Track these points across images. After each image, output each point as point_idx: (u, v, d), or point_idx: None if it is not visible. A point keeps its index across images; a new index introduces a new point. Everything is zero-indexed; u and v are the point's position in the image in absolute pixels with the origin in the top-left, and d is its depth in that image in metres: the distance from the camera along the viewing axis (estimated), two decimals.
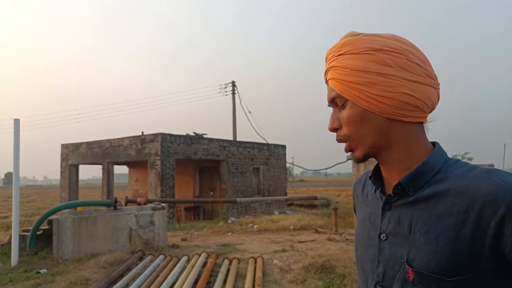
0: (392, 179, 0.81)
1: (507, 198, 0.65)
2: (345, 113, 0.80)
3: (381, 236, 0.81)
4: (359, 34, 0.81)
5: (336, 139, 0.83)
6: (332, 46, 0.83)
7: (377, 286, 0.80)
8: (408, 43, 0.79)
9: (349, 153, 0.89)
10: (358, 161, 0.82)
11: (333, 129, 0.83)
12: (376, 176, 0.86)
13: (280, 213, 15.28)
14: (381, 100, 0.76)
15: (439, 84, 0.80)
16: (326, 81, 0.84)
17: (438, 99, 0.80)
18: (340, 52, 0.80)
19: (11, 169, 7.32)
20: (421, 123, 0.79)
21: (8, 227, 13.13)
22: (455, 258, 0.68)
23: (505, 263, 0.67)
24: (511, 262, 0.66)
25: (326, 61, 0.84)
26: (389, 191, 0.82)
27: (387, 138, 0.78)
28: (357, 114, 0.78)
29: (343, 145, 0.84)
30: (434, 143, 0.82)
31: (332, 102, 0.83)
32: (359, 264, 0.89)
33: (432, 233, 0.72)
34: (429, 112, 0.79)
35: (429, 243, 0.71)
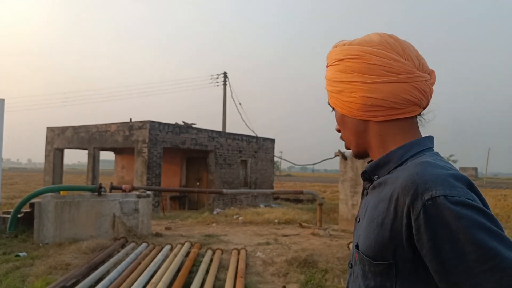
0: None
1: (412, 189, 0.67)
2: (335, 117, 0.92)
3: (357, 220, 0.88)
4: (337, 44, 0.88)
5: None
6: (330, 52, 0.93)
7: (349, 265, 0.88)
8: (371, 44, 0.81)
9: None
10: (357, 157, 0.92)
11: (338, 130, 0.94)
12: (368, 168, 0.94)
13: (265, 206, 15.31)
14: (348, 105, 0.83)
15: (416, 76, 0.79)
16: None
17: (420, 90, 0.79)
18: (330, 64, 0.88)
19: None
20: (401, 119, 0.81)
21: None
22: (380, 244, 0.72)
23: (417, 252, 0.67)
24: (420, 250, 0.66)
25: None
26: None
27: (366, 137, 0.85)
28: (339, 118, 0.90)
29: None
30: (428, 137, 0.84)
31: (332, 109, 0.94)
32: None
33: (369, 218, 0.77)
34: (409, 107, 0.80)
35: (366, 228, 0.78)
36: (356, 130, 0.86)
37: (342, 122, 0.89)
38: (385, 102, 0.79)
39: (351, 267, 0.85)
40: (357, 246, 0.80)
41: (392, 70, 0.78)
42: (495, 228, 0.62)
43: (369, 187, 0.85)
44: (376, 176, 0.83)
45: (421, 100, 0.80)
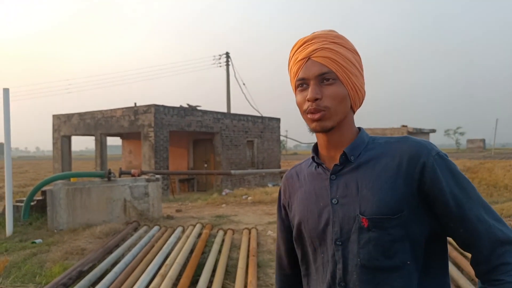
0: (331, 155, 1.02)
1: (424, 150, 0.93)
2: (332, 89, 0.95)
3: (333, 201, 0.98)
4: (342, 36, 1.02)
5: (311, 108, 0.96)
6: (320, 32, 1.00)
7: (337, 242, 0.96)
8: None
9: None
10: (325, 130, 0.97)
11: (316, 99, 0.95)
12: (317, 153, 1.07)
13: (274, 185, 15.41)
14: (357, 90, 0.98)
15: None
16: (308, 58, 0.97)
17: None
18: (334, 41, 0.97)
19: (3, 140, 7.23)
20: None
21: (1, 198, 13.13)
22: (395, 201, 0.91)
23: (424, 198, 0.92)
24: (429, 194, 0.91)
25: (307, 41, 0.99)
26: (330, 166, 1.02)
27: (345, 119, 0.99)
28: (342, 93, 0.96)
29: None
30: (359, 128, 1.06)
31: (319, 76, 0.95)
32: (311, 234, 1.02)
33: (376, 187, 0.93)
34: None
35: (375, 194, 0.93)
36: (346, 111, 0.98)
37: (343, 98, 0.96)
38: (362, 102, 1.04)
39: (341, 244, 0.96)
40: (363, 215, 0.93)
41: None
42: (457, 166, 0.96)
43: (340, 169, 0.99)
44: (352, 156, 0.98)
45: None
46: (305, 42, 1.00)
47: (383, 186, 0.93)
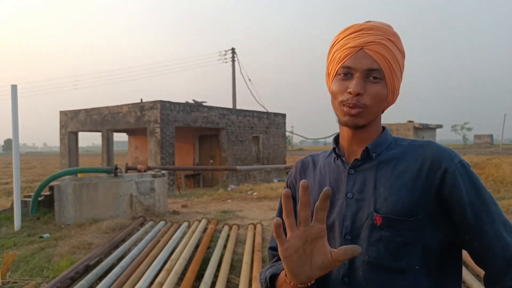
0: (353, 150, 1.00)
1: (446, 156, 0.91)
2: (377, 88, 0.92)
3: (348, 195, 0.97)
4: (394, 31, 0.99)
5: (352, 102, 0.92)
6: (377, 24, 0.95)
7: (346, 237, 0.95)
8: None
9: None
10: (357, 127, 0.95)
11: (358, 94, 0.91)
12: (338, 146, 1.05)
13: (279, 181, 15.42)
14: (395, 93, 0.98)
15: None
16: (361, 47, 0.92)
17: None
18: (390, 38, 0.94)
19: (11, 136, 7.31)
20: None
21: (9, 193, 13.28)
22: (413, 203, 0.89)
23: (442, 204, 0.89)
24: (448, 202, 0.89)
25: (363, 29, 0.94)
26: (350, 160, 1.00)
27: (376, 118, 0.98)
28: (383, 94, 0.94)
29: None
30: (383, 127, 1.05)
31: (368, 71, 0.91)
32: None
33: (395, 186, 0.92)
34: None
35: (393, 194, 0.91)
36: (379, 112, 0.98)
37: (383, 99, 0.95)
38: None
39: (350, 238, 0.94)
40: (377, 212, 0.91)
41: None
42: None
43: (360, 165, 0.98)
44: (374, 153, 0.97)
45: None
46: (361, 29, 0.94)
47: (401, 187, 0.91)
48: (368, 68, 0.91)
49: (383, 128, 1.03)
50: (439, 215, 0.90)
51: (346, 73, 0.93)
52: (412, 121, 26.86)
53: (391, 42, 0.93)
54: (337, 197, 0.99)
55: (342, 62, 0.93)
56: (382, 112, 1.01)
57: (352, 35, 0.94)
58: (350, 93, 0.91)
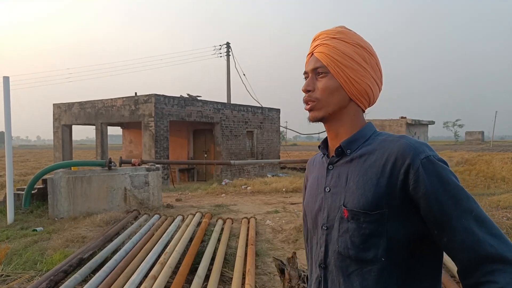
0: (333, 146, 1.07)
1: (411, 152, 0.92)
2: (323, 82, 1.03)
3: (326, 189, 1.06)
4: (350, 30, 1.07)
5: (304, 98, 1.06)
6: (325, 30, 1.07)
7: (323, 227, 1.04)
8: (375, 52, 1.07)
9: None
10: (314, 120, 1.06)
11: (307, 91, 1.05)
12: (324, 146, 1.12)
13: (273, 175, 15.47)
14: (353, 83, 1.01)
15: (381, 88, 1.10)
16: (311, 54, 1.07)
17: (377, 98, 1.10)
18: (335, 36, 1.04)
19: (3, 129, 7.26)
20: (363, 110, 1.08)
21: (2, 186, 13.19)
22: (376, 198, 0.93)
23: (408, 200, 0.92)
24: (413, 197, 0.91)
25: (315, 39, 1.08)
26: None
27: (342, 111, 1.04)
28: (333, 86, 1.02)
29: None
30: (369, 123, 1.09)
31: (314, 70, 1.05)
32: (308, 218, 1.13)
33: (361, 181, 0.97)
34: (371, 105, 1.09)
35: (359, 188, 0.97)
36: (341, 103, 1.03)
37: (334, 90, 1.02)
38: (372, 96, 1.05)
39: (326, 229, 1.04)
40: (345, 206, 0.98)
41: (380, 78, 1.07)
42: (454, 174, 0.93)
43: (337, 161, 1.05)
44: (349, 150, 1.03)
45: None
46: (314, 39, 1.09)
47: (367, 181, 0.96)
48: (313, 68, 1.05)
49: (368, 123, 1.08)
50: (405, 210, 0.92)
51: (306, 77, 1.08)
52: (405, 117, 27.00)
53: (335, 39, 1.03)
54: (319, 191, 1.09)
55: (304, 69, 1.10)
56: (361, 106, 1.06)
57: (311, 44, 1.10)
58: (302, 91, 1.06)
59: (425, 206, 0.89)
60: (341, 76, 1.02)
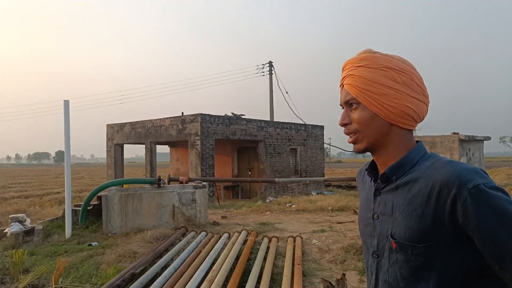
0: (381, 171, 1.03)
1: (457, 181, 0.84)
2: (357, 114, 1.00)
3: (374, 216, 1.03)
4: (376, 52, 1.01)
5: (344, 132, 1.04)
6: (351, 58, 1.03)
7: (374, 255, 1.02)
8: (412, 66, 1.00)
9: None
10: (359, 152, 1.03)
11: (343, 124, 1.03)
12: (372, 169, 1.08)
13: (317, 193, 15.24)
14: (389, 108, 0.96)
15: (429, 102, 1.02)
16: (342, 85, 1.05)
17: (427, 113, 1.02)
18: (359, 64, 0.99)
19: (62, 148, 7.77)
20: (412, 129, 1.02)
21: (61, 202, 14.03)
22: (422, 230, 0.88)
23: (459, 231, 0.85)
24: (465, 230, 0.84)
25: (343, 69, 1.05)
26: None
27: (386, 138, 1.00)
28: (368, 116, 0.98)
29: None
30: (418, 141, 1.02)
31: (346, 103, 1.02)
32: (362, 238, 1.11)
33: (406, 211, 0.92)
34: (419, 122, 1.02)
35: (404, 219, 0.92)
36: (381, 130, 0.99)
37: (370, 120, 0.98)
38: (415, 114, 0.98)
39: (377, 257, 1.01)
40: (392, 237, 0.95)
41: (423, 92, 0.99)
42: None
43: (384, 187, 1.01)
44: (395, 177, 0.98)
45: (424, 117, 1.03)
46: (342, 69, 1.06)
47: (411, 212, 0.91)
48: (345, 101, 1.03)
49: (417, 143, 1.02)
50: (457, 243, 0.86)
51: (343, 108, 1.05)
52: (457, 133, 25.71)
53: (360, 67, 0.99)
54: (369, 215, 1.06)
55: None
56: (406, 127, 0.99)
57: (341, 74, 1.07)
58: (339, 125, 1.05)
59: (480, 241, 0.83)
60: (373, 105, 0.97)
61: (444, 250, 0.87)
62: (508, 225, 0.80)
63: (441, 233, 0.87)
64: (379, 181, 1.03)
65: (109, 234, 7.07)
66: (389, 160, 1.01)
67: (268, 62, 23.49)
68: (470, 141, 26.49)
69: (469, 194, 0.83)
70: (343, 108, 1.05)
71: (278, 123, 16.79)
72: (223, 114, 14.84)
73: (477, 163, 12.49)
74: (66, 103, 7.56)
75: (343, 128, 1.04)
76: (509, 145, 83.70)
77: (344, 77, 1.03)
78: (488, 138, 29.24)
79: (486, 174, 0.88)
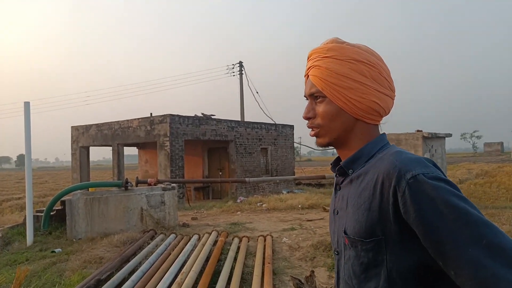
0: None
1: (396, 172, 0.80)
2: (322, 108, 0.95)
3: (335, 212, 1.00)
4: (344, 42, 0.96)
5: (307, 125, 0.99)
6: (317, 47, 0.98)
7: (335, 252, 0.99)
8: (380, 58, 0.95)
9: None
10: (321, 146, 1.00)
11: (307, 118, 0.98)
12: (336, 163, 1.03)
13: (288, 192, 15.36)
14: (355, 103, 0.91)
15: (395, 95, 0.98)
16: (307, 76, 0.99)
17: (392, 106, 0.98)
18: (326, 55, 0.94)
19: (23, 151, 7.44)
20: (377, 124, 0.98)
21: (22, 208, 13.43)
22: (369, 224, 0.84)
23: (403, 225, 0.79)
24: (407, 222, 0.78)
25: (308, 59, 0.99)
26: None
27: (350, 133, 0.95)
28: (333, 111, 0.93)
29: None
30: (380, 137, 0.98)
31: (311, 95, 0.97)
32: (330, 235, 1.07)
33: (356, 205, 0.88)
34: (384, 116, 0.98)
35: (354, 214, 0.88)
36: (345, 126, 0.94)
37: (335, 115, 0.93)
38: (381, 109, 0.94)
39: (337, 254, 0.98)
40: (345, 232, 0.91)
41: (390, 86, 0.95)
42: (461, 193, 0.77)
43: (342, 181, 0.98)
44: (351, 170, 0.95)
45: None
46: (308, 58, 1.01)
47: (360, 205, 0.87)
48: (310, 93, 0.98)
49: (381, 137, 0.99)
50: (405, 237, 0.80)
51: (307, 99, 1.00)
52: (421, 131, 26.65)
53: (327, 58, 0.93)
54: (332, 211, 1.03)
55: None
56: (378, 120, 0.96)
57: (306, 64, 1.02)
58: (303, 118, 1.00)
59: (421, 235, 0.77)
60: (339, 99, 0.92)
61: (393, 246, 0.82)
62: (448, 218, 0.73)
63: (388, 228, 0.81)
64: (336, 174, 1.00)
65: (74, 240, 6.82)
66: (350, 154, 0.97)
67: (238, 62, 23.47)
68: (432, 138, 27.53)
69: (407, 185, 0.78)
70: (307, 99, 0.99)
71: (249, 123, 16.80)
72: (193, 115, 14.69)
73: (440, 159, 12.98)
74: (27, 104, 7.24)
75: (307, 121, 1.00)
76: (469, 142, 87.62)
77: (309, 67, 0.97)
78: (450, 135, 30.48)
79: (433, 164, 0.82)
